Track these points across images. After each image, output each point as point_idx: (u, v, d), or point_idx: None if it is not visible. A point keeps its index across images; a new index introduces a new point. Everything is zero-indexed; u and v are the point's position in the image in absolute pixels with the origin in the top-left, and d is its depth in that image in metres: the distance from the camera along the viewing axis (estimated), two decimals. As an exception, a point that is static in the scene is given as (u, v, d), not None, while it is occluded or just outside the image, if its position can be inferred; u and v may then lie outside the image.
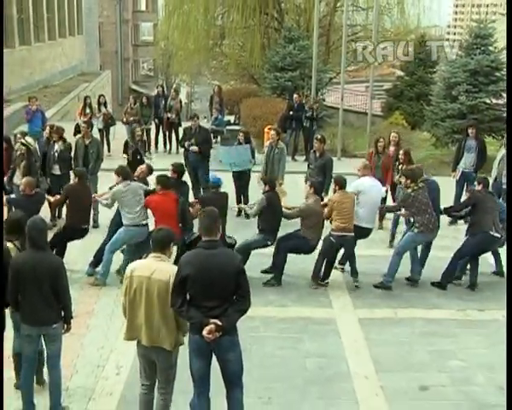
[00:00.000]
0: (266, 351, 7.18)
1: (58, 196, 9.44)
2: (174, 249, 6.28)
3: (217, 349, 5.18)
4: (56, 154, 10.99)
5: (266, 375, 6.65)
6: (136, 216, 8.64)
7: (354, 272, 9.01)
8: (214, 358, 5.27)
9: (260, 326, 7.78)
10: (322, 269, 8.95)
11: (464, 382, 6.74)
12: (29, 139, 10.98)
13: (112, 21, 43.69)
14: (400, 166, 10.72)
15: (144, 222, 8.71)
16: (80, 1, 34.70)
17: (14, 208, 8.68)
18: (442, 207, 9.33)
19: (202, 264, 5.10)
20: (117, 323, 7.57)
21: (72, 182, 9.53)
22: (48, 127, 11.80)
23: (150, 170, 9.59)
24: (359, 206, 8.97)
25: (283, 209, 9.17)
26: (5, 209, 9.28)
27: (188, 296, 5.13)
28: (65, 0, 31.59)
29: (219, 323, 5.02)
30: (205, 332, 5.01)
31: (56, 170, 11.00)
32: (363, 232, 9.04)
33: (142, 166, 9.68)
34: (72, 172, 10.16)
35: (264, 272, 9.09)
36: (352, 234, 8.79)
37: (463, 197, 10.88)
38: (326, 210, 8.83)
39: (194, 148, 12.24)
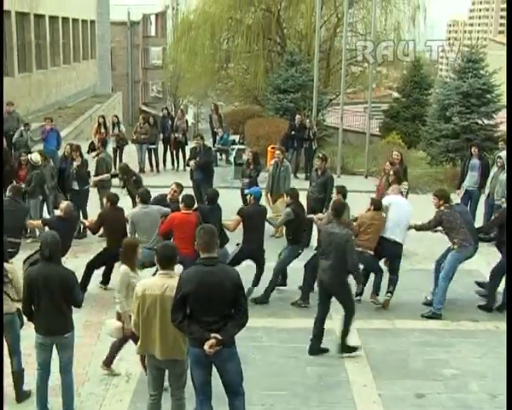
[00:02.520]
0: (269, 360, 7.25)
1: (93, 221, 9.44)
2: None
3: (216, 360, 5.29)
4: (75, 171, 11.51)
5: (269, 383, 6.75)
6: (149, 240, 8.59)
7: (374, 290, 8.94)
8: (214, 367, 5.42)
9: (263, 336, 7.95)
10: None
11: (458, 389, 6.90)
12: (34, 156, 11.43)
13: (123, 46, 44.26)
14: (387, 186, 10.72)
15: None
16: (93, 27, 35.34)
17: (48, 229, 8.63)
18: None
19: (202, 280, 5.17)
20: None
21: (104, 207, 9.49)
22: (68, 146, 12.07)
23: (181, 188, 9.48)
24: (388, 220, 8.91)
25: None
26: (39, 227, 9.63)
27: (188, 311, 5.22)
28: (79, 27, 32.26)
29: (219, 337, 5.13)
30: (206, 347, 5.12)
31: (75, 186, 11.56)
32: (388, 246, 8.84)
33: (173, 186, 9.54)
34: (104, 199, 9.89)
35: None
36: (371, 252, 8.74)
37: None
38: (355, 225, 8.78)
39: (192, 163, 12.70)
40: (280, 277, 9.27)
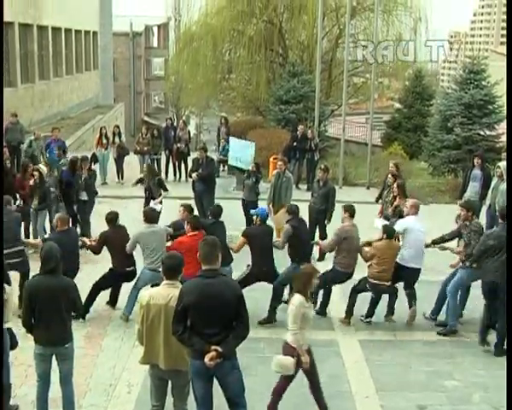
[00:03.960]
0: (271, 371, 7.10)
1: (93, 242, 9.15)
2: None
3: (217, 373, 5.28)
4: (84, 182, 11.62)
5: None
6: (153, 261, 8.43)
7: (389, 312, 8.80)
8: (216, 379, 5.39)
9: (265, 347, 7.92)
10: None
11: (460, 401, 6.90)
12: (43, 167, 11.62)
13: (125, 57, 44.58)
14: (392, 199, 10.84)
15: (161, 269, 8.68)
16: (96, 38, 35.61)
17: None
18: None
19: (203, 293, 5.17)
20: (128, 343, 7.86)
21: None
22: (79, 160, 11.98)
23: (191, 210, 9.21)
24: (405, 247, 8.64)
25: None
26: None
27: (189, 323, 5.21)
28: (82, 37, 32.52)
29: (220, 350, 5.12)
30: (207, 359, 5.11)
31: (84, 196, 11.64)
32: (408, 273, 8.59)
33: (181, 208, 9.19)
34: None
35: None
36: (387, 284, 8.55)
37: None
38: (368, 253, 8.59)
39: (194, 175, 12.70)
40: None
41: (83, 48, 32.84)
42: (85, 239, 9.35)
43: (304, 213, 11.62)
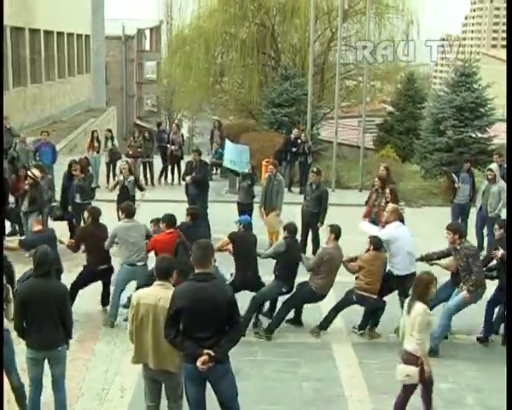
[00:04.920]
0: (264, 375, 7.23)
1: (72, 241, 9.20)
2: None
3: (210, 377, 5.29)
4: (78, 184, 11.58)
5: (264, 398, 6.74)
6: (131, 254, 8.42)
7: (374, 324, 8.58)
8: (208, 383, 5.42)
9: (258, 351, 7.95)
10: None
11: (454, 403, 6.94)
12: (35, 171, 11.55)
13: (118, 60, 44.41)
14: (385, 204, 10.65)
15: (140, 264, 8.44)
16: (88, 42, 35.52)
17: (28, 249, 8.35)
18: None
19: (195, 296, 5.16)
20: (121, 347, 7.86)
21: (86, 222, 9.13)
22: (73, 163, 11.92)
23: (158, 221, 8.97)
24: (393, 255, 8.45)
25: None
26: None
27: (181, 327, 5.24)
28: (74, 41, 32.44)
29: (212, 354, 5.13)
30: (199, 363, 5.12)
31: (77, 199, 11.61)
32: (405, 281, 8.24)
33: (151, 224, 9.18)
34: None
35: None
36: (375, 296, 8.32)
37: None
38: (355, 266, 8.41)
39: (188, 179, 12.70)
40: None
41: (75, 51, 32.78)
42: (63, 239, 9.25)
43: (297, 216, 11.77)
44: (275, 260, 8.59)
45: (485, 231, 12.05)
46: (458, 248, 8.01)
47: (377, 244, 8.38)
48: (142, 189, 12.42)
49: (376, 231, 8.95)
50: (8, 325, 6.20)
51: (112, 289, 8.78)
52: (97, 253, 8.60)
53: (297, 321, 8.80)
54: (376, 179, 11.51)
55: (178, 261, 7.94)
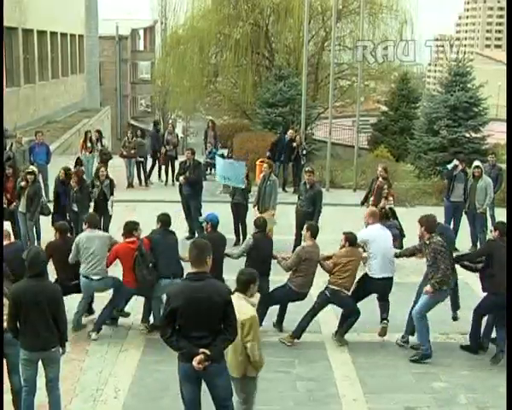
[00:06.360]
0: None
1: None
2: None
3: (205, 376, 5.28)
4: (74, 194, 11.40)
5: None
6: (87, 266, 8.16)
7: (348, 328, 8.29)
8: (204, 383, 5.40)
9: None
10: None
11: (447, 402, 6.92)
12: (34, 168, 11.65)
13: (112, 61, 44.34)
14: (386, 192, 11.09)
15: (95, 277, 8.19)
16: (82, 42, 35.42)
17: None
18: (454, 255, 8.41)
19: (190, 296, 5.16)
20: (115, 348, 7.88)
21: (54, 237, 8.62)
22: (63, 171, 11.74)
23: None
24: (371, 257, 8.26)
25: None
26: None
27: (177, 326, 5.23)
28: (68, 41, 32.35)
29: (208, 352, 5.13)
30: (195, 363, 5.11)
31: (75, 207, 11.42)
32: (379, 284, 8.20)
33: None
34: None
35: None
36: (348, 293, 8.16)
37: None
38: (330, 264, 8.26)
39: (181, 178, 12.61)
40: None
41: (68, 51, 32.68)
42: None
43: (291, 216, 11.75)
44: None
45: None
46: (427, 242, 7.83)
47: (352, 240, 8.24)
48: (112, 192, 11.98)
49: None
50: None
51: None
52: (65, 268, 8.25)
53: (279, 323, 8.64)
54: (381, 180, 11.63)
55: (136, 271, 7.99)
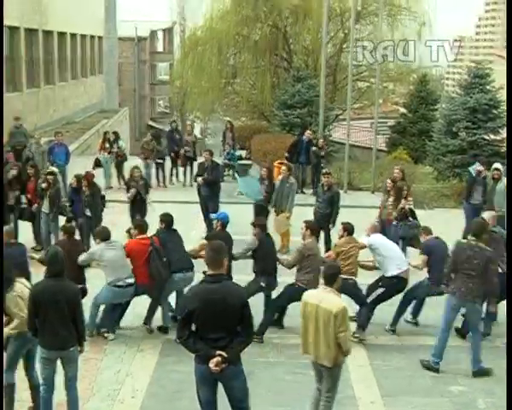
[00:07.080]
0: (276, 376, 7.20)
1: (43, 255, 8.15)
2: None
3: (221, 378, 5.28)
4: (86, 199, 11.37)
5: (276, 399, 6.71)
6: (120, 275, 8.11)
7: (365, 317, 8.40)
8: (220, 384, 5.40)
9: (270, 352, 7.96)
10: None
11: (465, 406, 6.90)
12: (54, 169, 11.77)
13: (130, 62, 44.64)
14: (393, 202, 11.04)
15: (128, 281, 8.18)
16: (101, 43, 35.66)
17: None
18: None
19: (207, 298, 5.19)
20: (133, 348, 7.93)
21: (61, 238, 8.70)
22: (75, 178, 11.58)
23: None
24: (382, 258, 8.52)
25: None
26: None
27: (194, 328, 5.27)
28: (87, 42, 32.59)
29: (225, 355, 5.14)
30: (211, 365, 5.12)
31: (87, 212, 11.43)
32: (399, 282, 8.41)
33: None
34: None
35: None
36: (355, 279, 8.37)
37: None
38: (332, 255, 8.53)
39: (200, 179, 12.70)
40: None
41: (88, 53, 32.91)
42: (34, 255, 8.90)
43: (309, 218, 11.68)
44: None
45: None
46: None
47: (350, 230, 8.60)
48: (148, 192, 12.24)
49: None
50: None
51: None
52: (71, 270, 7.64)
53: (278, 322, 8.69)
54: (388, 181, 11.60)
55: (151, 267, 8.08)
